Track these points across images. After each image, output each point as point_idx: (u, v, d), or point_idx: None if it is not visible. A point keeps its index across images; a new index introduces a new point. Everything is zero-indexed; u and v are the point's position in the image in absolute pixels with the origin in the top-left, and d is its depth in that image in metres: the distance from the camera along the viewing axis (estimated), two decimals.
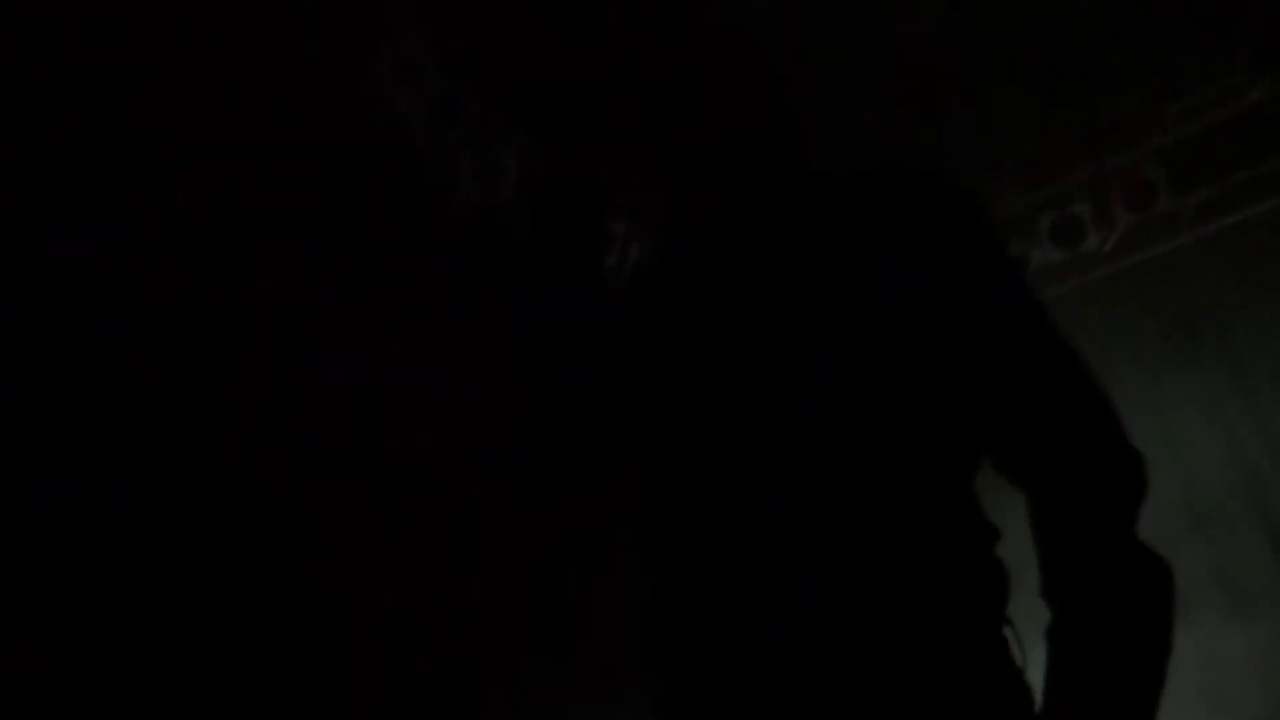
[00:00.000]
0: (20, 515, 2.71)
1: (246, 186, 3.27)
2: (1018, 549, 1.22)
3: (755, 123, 1.34)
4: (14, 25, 2.77)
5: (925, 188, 1.28)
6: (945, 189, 1.28)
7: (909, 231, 1.25)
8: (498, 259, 3.16)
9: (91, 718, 2.71)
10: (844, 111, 3.27)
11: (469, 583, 3.56)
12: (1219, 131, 4.25)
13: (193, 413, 3.10)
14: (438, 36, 3.74)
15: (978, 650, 1.15)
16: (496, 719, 3.59)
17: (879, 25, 3.50)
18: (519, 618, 3.64)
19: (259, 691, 3.05)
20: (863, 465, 1.17)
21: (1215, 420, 4.34)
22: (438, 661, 3.52)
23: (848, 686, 1.11)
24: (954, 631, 1.14)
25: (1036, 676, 1.16)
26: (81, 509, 2.81)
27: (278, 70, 3.25)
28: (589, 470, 1.39)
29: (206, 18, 3.06)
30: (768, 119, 1.36)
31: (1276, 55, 4.02)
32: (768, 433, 1.20)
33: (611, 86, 1.34)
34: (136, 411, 2.96)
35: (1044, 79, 3.84)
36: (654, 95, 1.31)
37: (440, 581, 3.50)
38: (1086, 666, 1.13)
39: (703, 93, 1.32)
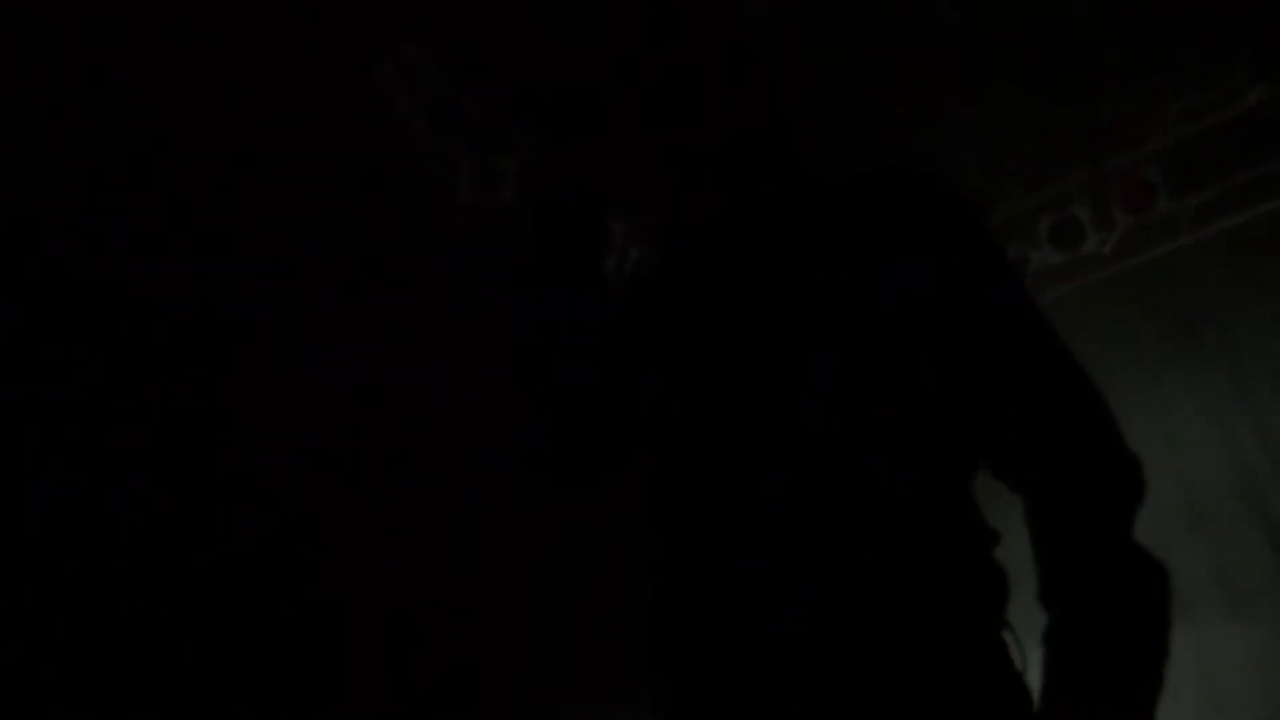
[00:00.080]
0: (20, 515, 2.71)
1: (247, 187, 3.28)
2: (1017, 552, 1.22)
3: (755, 123, 1.35)
4: (14, 25, 2.78)
5: (924, 188, 1.28)
6: (944, 189, 1.28)
7: (908, 232, 1.25)
8: (497, 260, 3.16)
9: (91, 718, 2.71)
10: (844, 111, 3.28)
11: (469, 583, 3.56)
12: (1219, 133, 4.25)
13: (193, 413, 3.10)
14: (437, 38, 3.74)
15: (977, 652, 1.15)
16: (497, 719, 3.59)
17: (879, 25, 3.51)
18: (519, 618, 3.64)
19: (259, 692, 3.05)
20: (863, 465, 1.17)
21: (1215, 421, 4.34)
22: (438, 661, 3.52)
23: (847, 687, 1.11)
24: (953, 633, 1.14)
25: (1036, 679, 1.16)
26: (81, 509, 2.81)
27: (278, 72, 3.25)
28: (589, 470, 1.39)
29: (207, 19, 3.07)
30: (768, 119, 1.36)
31: (1276, 57, 4.02)
32: (768, 433, 1.20)
33: (611, 87, 1.34)
34: (136, 411, 2.96)
35: (1044, 79, 3.84)
36: (654, 95, 1.32)
37: (440, 581, 3.50)
38: (1083, 669, 1.13)
39: (703, 93, 1.32)
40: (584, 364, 1.33)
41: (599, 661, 3.40)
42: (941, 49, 3.63)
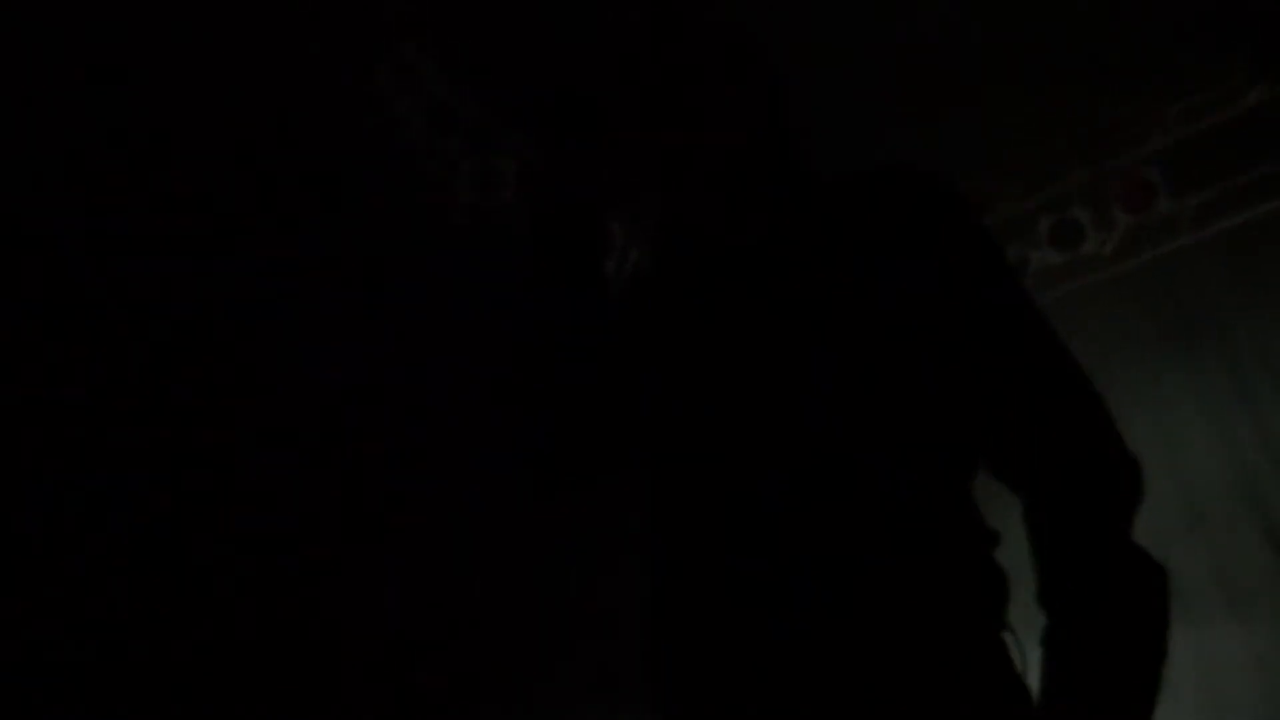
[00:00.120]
0: (20, 515, 2.71)
1: (247, 187, 3.28)
2: (1017, 553, 1.22)
3: (755, 123, 1.35)
4: (14, 25, 2.78)
5: (924, 188, 1.28)
6: (944, 190, 1.28)
7: (908, 232, 1.25)
8: (497, 260, 3.17)
9: (91, 718, 2.71)
10: (844, 111, 3.28)
11: (469, 583, 3.56)
12: (1218, 133, 4.25)
13: (193, 413, 3.10)
14: (437, 39, 3.74)
15: (977, 653, 1.15)
16: (497, 719, 3.59)
17: (879, 25, 3.50)
18: (519, 618, 3.64)
19: (258, 692, 3.05)
20: (863, 465, 1.17)
21: (1215, 421, 4.34)
22: (437, 661, 3.52)
23: (847, 687, 1.11)
24: (953, 634, 1.14)
25: (1036, 680, 1.16)
26: (81, 509, 2.81)
27: (278, 72, 3.25)
28: (589, 471, 1.39)
29: (207, 20, 3.07)
30: (767, 119, 1.36)
31: (1276, 57, 4.02)
32: (768, 433, 1.20)
33: (611, 87, 1.34)
34: (136, 411, 2.96)
35: (1044, 79, 3.84)
36: (654, 96, 1.32)
37: (440, 581, 3.50)
38: (1082, 670, 1.13)
39: (703, 93, 1.32)
40: (584, 364, 1.34)
41: (599, 662, 3.40)
42: (941, 49, 3.63)
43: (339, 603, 3.33)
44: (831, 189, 1.34)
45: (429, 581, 3.48)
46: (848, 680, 1.11)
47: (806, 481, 1.16)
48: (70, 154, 2.90)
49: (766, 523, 1.17)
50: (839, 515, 1.15)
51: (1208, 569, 4.13)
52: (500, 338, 1.47)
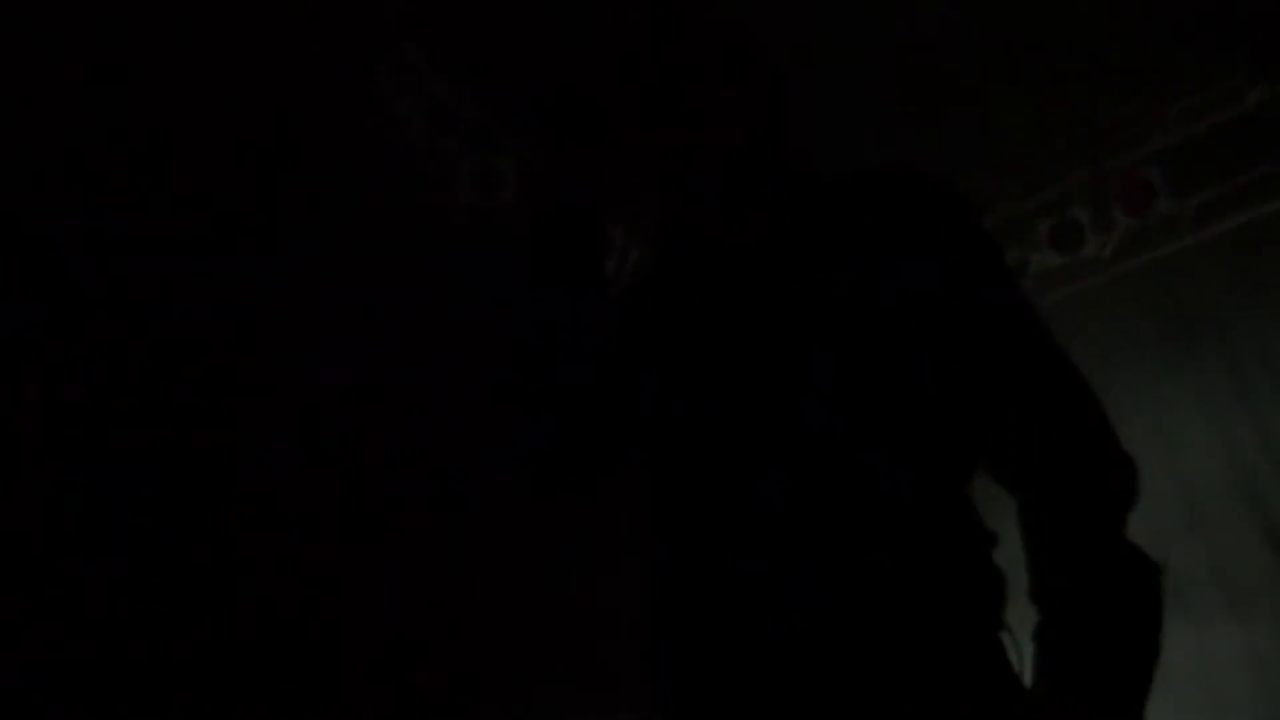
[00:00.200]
0: (20, 515, 2.71)
1: (247, 187, 3.28)
2: (1015, 554, 1.22)
3: (755, 123, 1.35)
4: (14, 25, 2.78)
5: (923, 189, 1.28)
6: (943, 190, 1.28)
7: (908, 232, 1.25)
8: (497, 260, 3.17)
9: (91, 718, 2.71)
10: (844, 111, 3.28)
11: (469, 583, 3.56)
12: (1218, 134, 4.25)
13: (193, 413, 3.10)
14: (437, 39, 3.74)
15: (975, 653, 1.15)
16: (497, 719, 3.59)
17: (879, 25, 3.50)
18: (519, 618, 3.64)
19: (258, 692, 3.05)
20: (863, 465, 1.17)
21: (1214, 421, 4.34)
22: (437, 661, 3.52)
23: (847, 687, 1.11)
24: (952, 634, 1.14)
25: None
26: (81, 509, 2.81)
27: (278, 72, 3.25)
28: (589, 471, 1.39)
29: (206, 19, 3.07)
30: (767, 119, 1.36)
31: (1276, 57, 4.02)
32: (768, 433, 1.20)
33: (611, 87, 1.34)
34: (136, 411, 2.96)
35: (1044, 79, 3.84)
36: (654, 96, 1.32)
37: (440, 582, 3.50)
38: (1071, 664, 1.14)
39: (703, 93, 1.32)
40: (584, 364, 1.34)
41: (599, 662, 3.41)
42: (941, 49, 3.63)
43: (339, 603, 3.33)
44: (831, 189, 1.34)
45: (429, 581, 3.48)
46: (847, 680, 1.11)
47: (806, 481, 1.16)
48: (70, 154, 2.90)
49: (766, 523, 1.17)
50: (839, 515, 1.15)
51: (1208, 569, 4.13)
52: (500, 338, 1.46)
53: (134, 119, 3.01)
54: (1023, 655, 1.18)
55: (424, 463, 3.47)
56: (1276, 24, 3.91)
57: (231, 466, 3.18)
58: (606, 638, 3.13)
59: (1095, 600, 1.16)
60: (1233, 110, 4.20)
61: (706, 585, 1.20)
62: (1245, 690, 3.97)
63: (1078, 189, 4.46)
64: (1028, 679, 1.17)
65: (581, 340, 1.34)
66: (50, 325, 2.84)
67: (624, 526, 1.38)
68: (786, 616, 1.13)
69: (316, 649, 3.25)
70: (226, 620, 3.02)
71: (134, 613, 2.84)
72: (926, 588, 1.14)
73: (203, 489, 3.10)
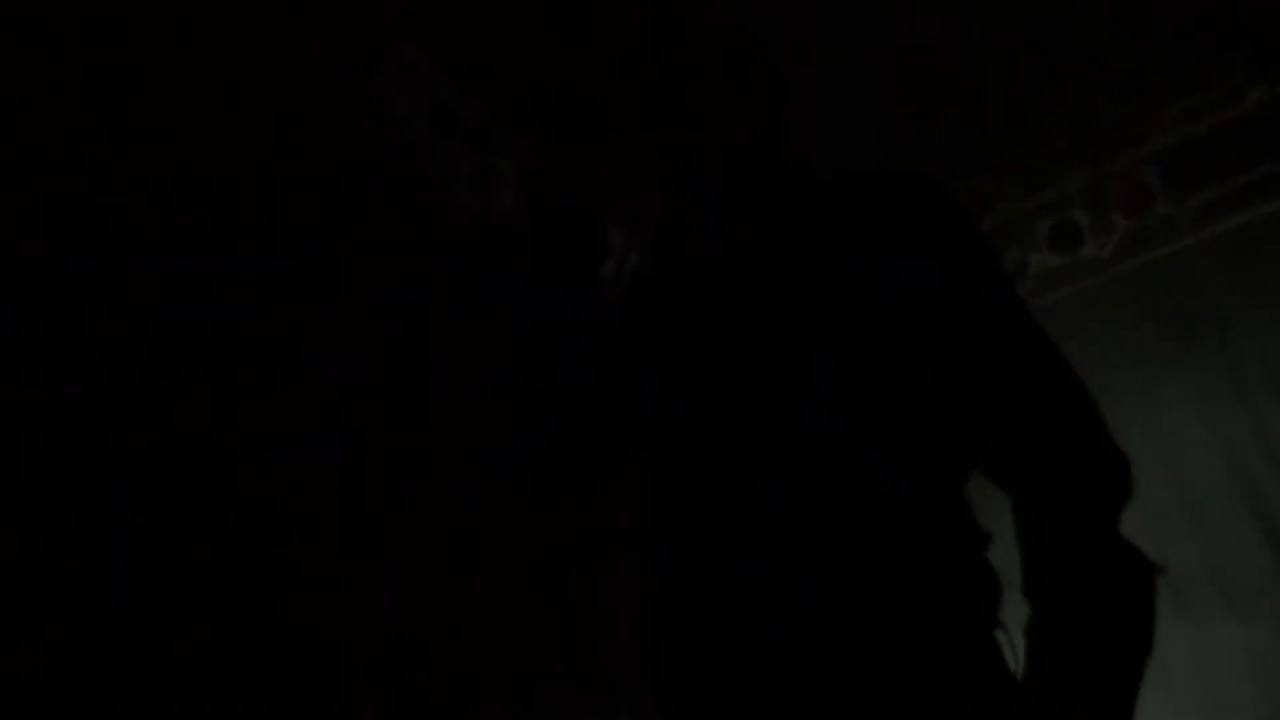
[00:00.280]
0: (20, 515, 2.71)
1: (247, 188, 3.27)
2: (1010, 553, 1.23)
3: (755, 123, 1.35)
4: (14, 25, 2.78)
5: (922, 190, 1.28)
6: (941, 191, 1.28)
7: (907, 232, 1.25)
8: (497, 261, 3.17)
9: (91, 718, 2.71)
10: (844, 111, 3.28)
11: (469, 583, 3.56)
12: (1217, 135, 4.25)
13: (192, 413, 3.10)
14: (437, 39, 3.74)
15: (973, 652, 1.16)
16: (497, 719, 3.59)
17: (879, 25, 3.51)
18: (519, 618, 3.64)
19: (258, 692, 3.05)
20: (863, 465, 1.17)
21: (1213, 422, 4.35)
22: (437, 661, 3.52)
23: (846, 687, 1.11)
24: (950, 633, 1.15)
25: None
26: (81, 509, 2.81)
27: (278, 72, 3.25)
28: (589, 471, 1.39)
29: (207, 20, 3.07)
30: (768, 119, 1.36)
31: (1276, 57, 4.02)
32: (768, 433, 1.20)
33: (611, 88, 1.34)
34: (136, 411, 2.96)
35: (1044, 79, 3.84)
36: (654, 97, 1.32)
37: (440, 582, 3.50)
38: (1061, 661, 1.15)
39: (703, 93, 1.32)
40: (584, 364, 1.34)
41: (599, 662, 3.41)
42: (941, 49, 3.63)
43: (339, 602, 3.33)
44: (831, 189, 1.34)
45: (429, 581, 3.48)
46: (847, 680, 1.12)
47: (806, 482, 1.17)
48: (70, 154, 2.90)
49: (766, 523, 1.17)
50: (839, 515, 1.15)
51: (1207, 569, 4.13)
52: (500, 338, 1.46)
53: (134, 119, 3.00)
54: (1018, 654, 1.18)
55: (424, 463, 3.47)
56: (1276, 24, 3.91)
57: (231, 466, 3.18)
58: (606, 638, 3.13)
59: (1087, 595, 1.17)
60: (1232, 111, 4.20)
61: (707, 585, 1.20)
62: (1245, 690, 3.98)
63: (1077, 190, 4.46)
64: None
65: (581, 340, 1.34)
66: (50, 325, 2.84)
67: (624, 526, 1.38)
68: (786, 616, 1.14)
69: (316, 649, 3.25)
70: (226, 620, 3.02)
71: (134, 613, 2.84)
72: (925, 587, 1.14)
73: (203, 489, 3.09)
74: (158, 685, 2.83)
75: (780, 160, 1.37)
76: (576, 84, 1.35)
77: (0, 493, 2.69)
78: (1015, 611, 1.21)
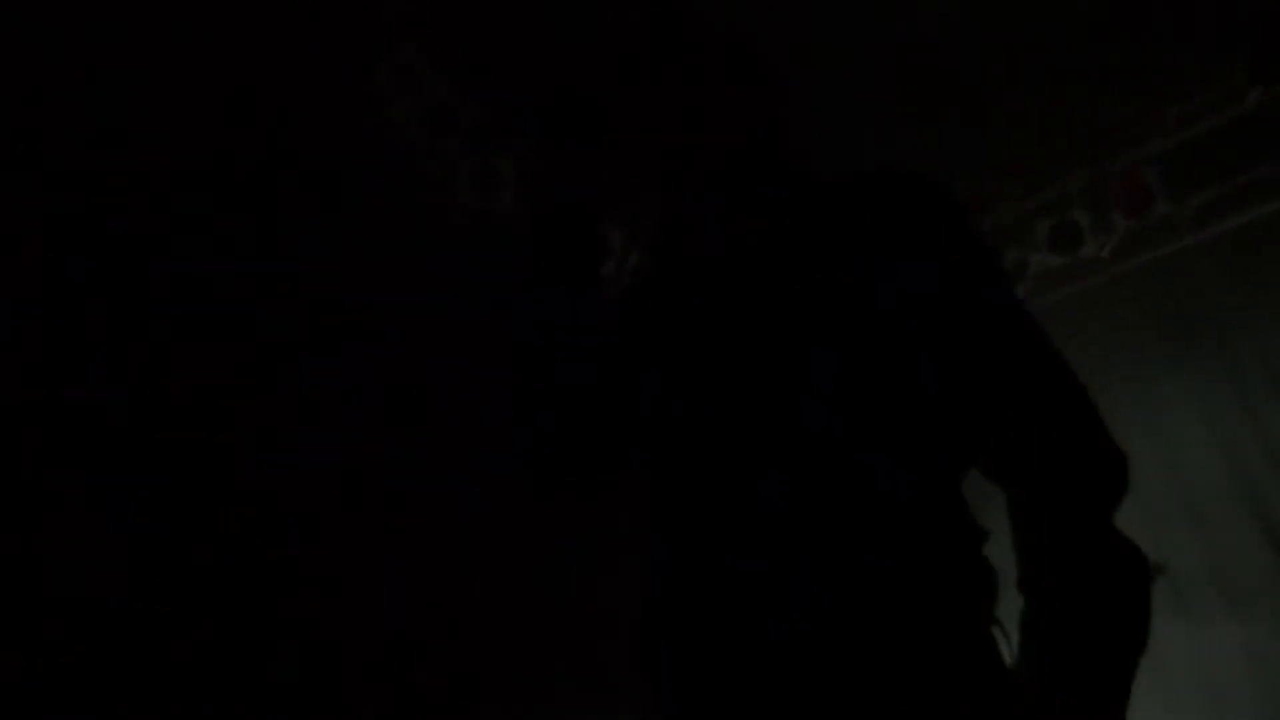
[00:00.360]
0: (20, 515, 2.72)
1: (247, 187, 3.28)
2: (1006, 550, 1.23)
3: (755, 123, 1.35)
4: (14, 25, 2.78)
5: (921, 190, 1.28)
6: (940, 191, 1.28)
7: (907, 232, 1.25)
8: (497, 261, 3.17)
9: (91, 718, 2.71)
10: (844, 111, 3.28)
11: (469, 583, 3.56)
12: (1217, 136, 4.25)
13: (192, 413, 3.10)
14: (436, 39, 3.74)
15: (971, 649, 1.16)
16: (497, 719, 3.59)
17: (879, 25, 3.51)
18: (519, 618, 3.64)
19: (258, 692, 3.05)
20: (863, 465, 1.17)
21: (1213, 421, 4.35)
22: (437, 661, 3.52)
23: (846, 686, 1.11)
24: (949, 631, 1.15)
25: None
26: (81, 509, 2.81)
27: (278, 72, 3.25)
28: (588, 471, 1.39)
29: (206, 19, 3.07)
30: (767, 119, 1.37)
31: (1276, 58, 4.02)
32: (768, 433, 1.20)
33: (611, 88, 1.34)
34: (137, 411, 2.96)
35: (1044, 79, 3.85)
36: (654, 97, 1.32)
37: (440, 582, 3.50)
38: (1055, 653, 1.15)
39: (703, 94, 1.32)
40: (584, 364, 1.34)
41: (599, 662, 3.40)
42: (941, 49, 3.63)
43: (339, 603, 3.33)
44: (830, 190, 1.34)
45: (429, 581, 3.48)
46: (846, 679, 1.12)
47: (806, 482, 1.17)
48: (70, 154, 2.90)
49: (766, 523, 1.17)
50: (839, 515, 1.15)
51: (1207, 569, 4.14)
52: (500, 338, 1.47)
53: (134, 119, 3.01)
54: (1014, 650, 1.19)
55: (424, 463, 3.47)
56: (1276, 24, 3.91)
57: (231, 466, 3.18)
58: (606, 638, 3.13)
59: (1081, 589, 1.17)
60: (1232, 111, 4.20)
61: (707, 585, 1.20)
62: (1244, 690, 3.98)
63: (1077, 191, 4.46)
64: None
65: (581, 340, 1.34)
66: (50, 325, 2.84)
67: (624, 526, 1.38)
68: (786, 616, 1.14)
69: (316, 649, 3.25)
70: (226, 620, 3.02)
71: (134, 613, 2.84)
72: (924, 586, 1.14)
73: (203, 489, 3.10)
74: (158, 685, 2.83)
75: (780, 160, 1.37)
76: (576, 84, 1.35)
77: (0, 493, 2.69)
78: (1013, 609, 1.21)
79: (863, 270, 1.24)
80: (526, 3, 3.36)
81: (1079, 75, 3.91)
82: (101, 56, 2.93)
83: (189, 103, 3.09)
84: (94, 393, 2.86)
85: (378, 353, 3.47)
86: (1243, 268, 4.34)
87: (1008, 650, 1.18)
